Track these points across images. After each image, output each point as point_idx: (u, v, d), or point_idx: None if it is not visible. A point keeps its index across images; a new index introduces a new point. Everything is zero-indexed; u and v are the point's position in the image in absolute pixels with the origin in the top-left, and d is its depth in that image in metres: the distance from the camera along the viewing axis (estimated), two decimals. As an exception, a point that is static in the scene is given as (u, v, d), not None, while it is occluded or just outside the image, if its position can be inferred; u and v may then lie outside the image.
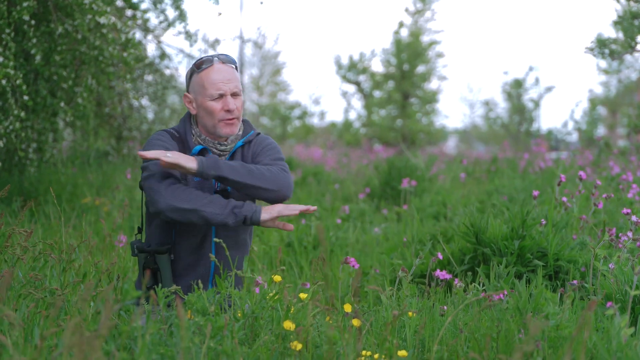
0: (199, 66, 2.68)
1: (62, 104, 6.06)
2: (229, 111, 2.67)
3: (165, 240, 2.72)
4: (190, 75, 2.72)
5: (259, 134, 2.84)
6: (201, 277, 2.72)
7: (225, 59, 2.72)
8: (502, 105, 24.41)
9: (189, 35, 8.31)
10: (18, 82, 5.38)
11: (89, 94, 6.40)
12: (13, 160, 6.51)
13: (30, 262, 2.99)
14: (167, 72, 10.02)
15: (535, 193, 4.34)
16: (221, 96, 2.67)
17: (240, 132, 2.79)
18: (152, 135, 2.75)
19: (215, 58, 2.70)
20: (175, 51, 9.97)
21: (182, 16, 8.12)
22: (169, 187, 2.55)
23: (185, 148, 2.72)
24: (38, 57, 5.66)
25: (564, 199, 4.32)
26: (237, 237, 2.78)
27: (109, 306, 1.50)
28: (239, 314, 2.25)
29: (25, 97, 5.51)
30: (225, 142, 2.73)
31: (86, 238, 3.41)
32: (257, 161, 2.77)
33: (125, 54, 6.18)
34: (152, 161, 2.58)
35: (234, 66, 2.74)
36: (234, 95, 2.70)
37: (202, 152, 2.73)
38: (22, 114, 5.51)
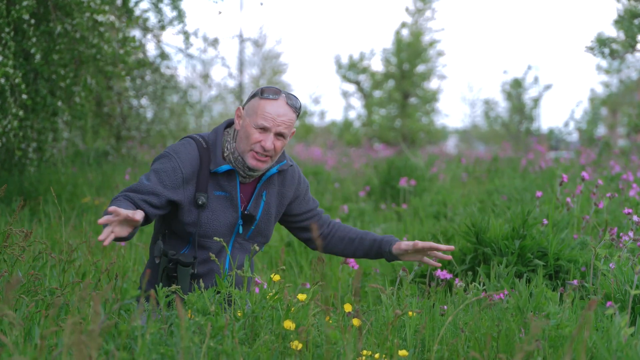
0: (264, 92, 2.65)
1: (59, 103, 6.06)
2: (263, 147, 2.63)
3: (180, 245, 2.71)
4: (253, 95, 2.69)
5: (291, 165, 2.83)
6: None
7: (291, 101, 2.68)
8: (502, 105, 24.41)
9: (186, 37, 8.31)
10: (17, 80, 5.37)
11: (87, 94, 6.39)
12: (13, 160, 6.51)
13: (29, 262, 2.98)
14: (167, 71, 10.01)
15: (539, 194, 4.34)
16: (264, 129, 2.63)
17: (274, 162, 2.74)
18: (175, 145, 2.70)
19: (284, 94, 2.66)
20: (174, 50, 9.96)
21: (180, 17, 8.11)
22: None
23: (211, 161, 2.67)
24: (38, 57, 5.65)
25: (568, 199, 4.32)
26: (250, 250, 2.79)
27: (97, 304, 1.50)
28: (239, 314, 2.25)
29: (24, 96, 5.50)
30: (253, 170, 2.69)
31: (86, 238, 3.41)
32: (299, 206, 2.87)
33: (122, 51, 6.18)
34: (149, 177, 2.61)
35: (295, 111, 2.69)
36: (279, 135, 2.65)
37: (230, 172, 2.69)
38: (21, 112, 5.50)
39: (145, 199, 2.57)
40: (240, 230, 2.72)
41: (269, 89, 2.66)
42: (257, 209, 2.74)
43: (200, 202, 2.63)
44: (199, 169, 2.65)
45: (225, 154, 2.70)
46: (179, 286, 2.61)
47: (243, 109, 2.70)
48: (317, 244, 2.94)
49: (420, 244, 2.75)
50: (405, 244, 2.79)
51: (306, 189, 2.92)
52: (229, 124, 2.79)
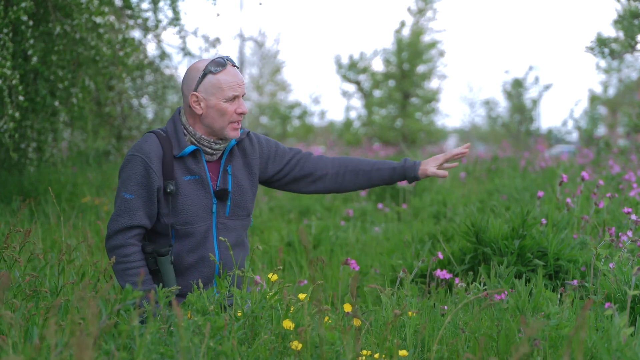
0: (213, 67, 2.69)
1: (56, 104, 6.06)
2: (241, 114, 2.71)
3: (164, 240, 2.73)
4: (204, 75, 2.70)
5: (248, 132, 2.87)
6: (206, 277, 2.73)
7: (234, 62, 2.76)
8: (502, 105, 24.41)
9: (182, 36, 8.33)
10: (14, 82, 5.37)
11: (85, 95, 6.38)
12: (12, 160, 6.50)
13: (26, 262, 2.98)
14: (167, 71, 10.01)
15: (540, 194, 4.34)
16: (235, 98, 2.70)
17: None
18: (136, 144, 2.74)
19: (226, 60, 2.72)
20: (175, 50, 9.96)
21: (177, 19, 8.12)
22: (119, 248, 2.63)
23: (174, 147, 2.71)
24: (35, 58, 5.65)
25: (568, 200, 4.31)
26: (239, 237, 2.81)
27: (94, 307, 1.50)
28: (239, 314, 2.25)
29: (21, 98, 5.49)
30: (221, 141, 2.74)
31: (85, 238, 3.40)
32: (275, 164, 2.87)
33: (121, 53, 6.18)
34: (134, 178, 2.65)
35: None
36: (243, 97, 2.75)
37: (195, 153, 2.72)
38: (17, 114, 5.49)
39: (145, 214, 2.66)
40: (214, 209, 2.74)
41: (214, 62, 2.70)
42: (226, 184, 2.77)
43: (169, 190, 2.66)
44: (163, 157, 2.69)
45: (187, 138, 2.73)
46: (165, 278, 2.66)
47: (199, 92, 2.71)
48: (325, 184, 2.93)
49: (443, 160, 2.85)
50: (431, 170, 2.85)
51: (275, 146, 2.92)
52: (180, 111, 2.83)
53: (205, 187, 2.72)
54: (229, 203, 2.77)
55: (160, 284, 2.42)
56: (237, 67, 2.76)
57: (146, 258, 2.68)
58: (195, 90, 2.72)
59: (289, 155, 2.93)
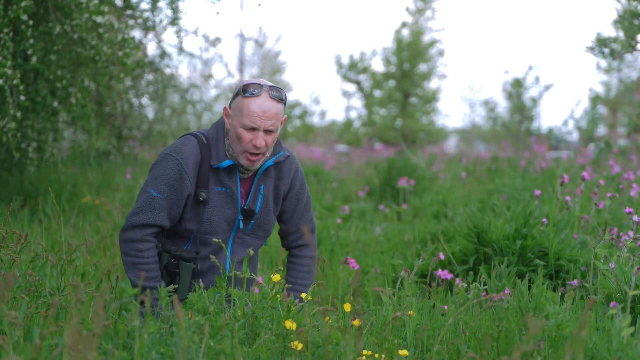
0: (246, 90, 2.61)
1: (55, 104, 6.05)
2: (255, 147, 2.61)
3: (181, 242, 2.72)
4: (237, 93, 2.65)
5: (288, 156, 2.80)
6: (212, 285, 2.72)
7: (275, 94, 2.63)
8: (502, 105, 24.42)
9: (179, 36, 8.34)
10: (15, 81, 5.36)
11: (84, 95, 6.38)
12: (13, 160, 6.50)
13: (28, 263, 2.98)
14: (168, 71, 10.01)
15: (537, 192, 4.33)
16: (253, 129, 2.61)
17: (269, 154, 2.73)
18: (176, 143, 2.70)
19: (266, 88, 2.62)
20: (175, 50, 9.96)
21: (175, 20, 8.13)
22: (133, 243, 2.60)
23: (212, 156, 2.68)
24: (35, 58, 5.65)
25: (567, 198, 4.31)
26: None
27: (101, 305, 1.49)
28: (239, 314, 2.25)
29: (22, 97, 5.49)
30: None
31: (84, 239, 3.40)
32: (289, 204, 2.82)
33: (120, 53, 6.17)
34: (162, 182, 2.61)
35: (280, 101, 2.64)
36: (268, 132, 2.63)
37: (231, 168, 2.69)
38: (18, 114, 5.49)
39: (168, 215, 2.63)
40: (241, 226, 2.73)
41: (251, 85, 2.61)
42: (255, 203, 2.74)
43: (201, 199, 2.63)
44: (200, 165, 2.66)
45: (226, 149, 2.70)
46: (182, 282, 2.63)
47: (230, 107, 2.69)
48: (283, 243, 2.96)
49: None
50: None
51: (301, 185, 2.86)
52: None
53: (234, 202, 2.70)
54: (252, 222, 2.75)
55: (163, 284, 2.43)
56: (280, 100, 2.63)
57: (169, 259, 2.65)
58: (229, 105, 2.70)
59: (297, 217, 2.88)
